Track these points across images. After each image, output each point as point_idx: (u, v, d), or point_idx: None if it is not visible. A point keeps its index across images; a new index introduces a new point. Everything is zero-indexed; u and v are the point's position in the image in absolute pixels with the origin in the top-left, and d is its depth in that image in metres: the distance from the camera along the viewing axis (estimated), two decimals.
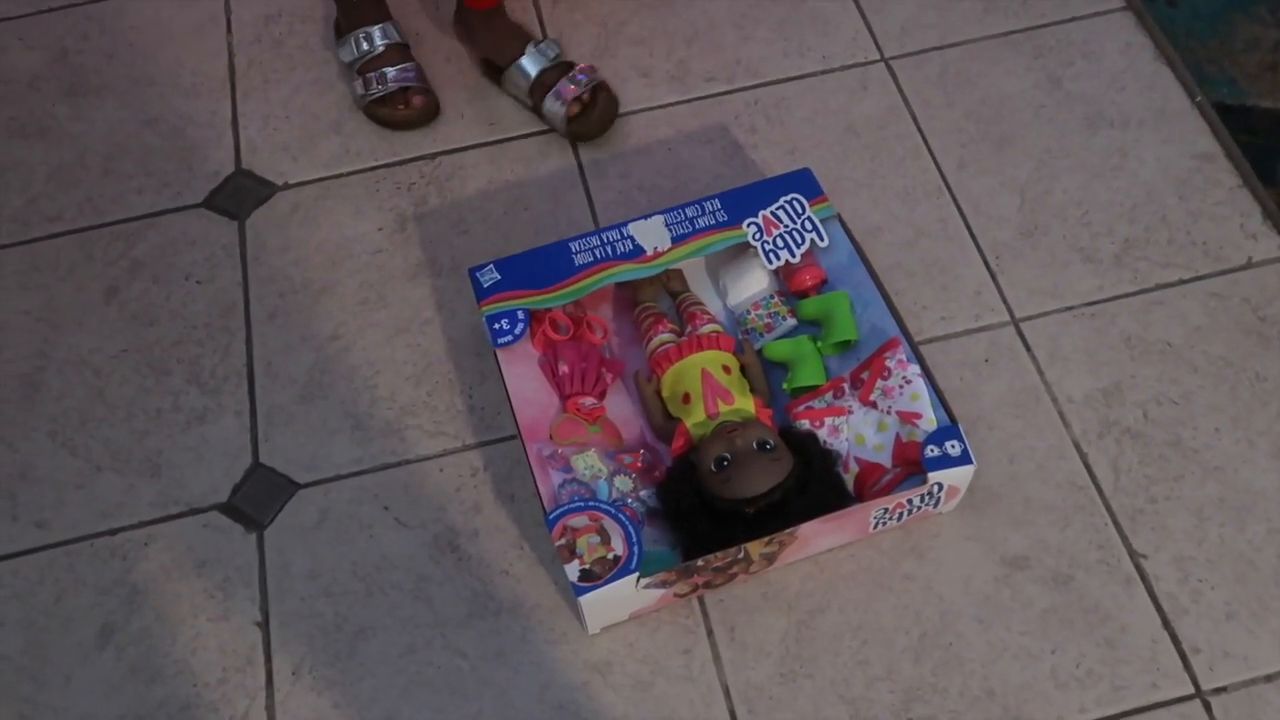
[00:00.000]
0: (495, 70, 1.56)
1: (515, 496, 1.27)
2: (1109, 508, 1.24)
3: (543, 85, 1.51)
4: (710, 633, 1.19)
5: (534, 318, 1.29)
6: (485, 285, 1.30)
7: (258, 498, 1.28)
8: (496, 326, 1.27)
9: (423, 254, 1.44)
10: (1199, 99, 1.50)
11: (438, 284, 1.42)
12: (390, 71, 1.53)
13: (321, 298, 1.41)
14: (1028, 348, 1.34)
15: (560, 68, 1.51)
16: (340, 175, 1.51)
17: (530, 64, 1.51)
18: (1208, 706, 1.14)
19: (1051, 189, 1.45)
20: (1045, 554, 1.22)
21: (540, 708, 1.15)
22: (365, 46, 1.54)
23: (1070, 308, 1.36)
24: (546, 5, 1.64)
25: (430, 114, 1.55)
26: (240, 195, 1.50)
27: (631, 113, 1.55)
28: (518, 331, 1.26)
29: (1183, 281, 1.37)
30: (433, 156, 1.52)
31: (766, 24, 1.61)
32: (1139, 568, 1.21)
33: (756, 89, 1.56)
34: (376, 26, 1.55)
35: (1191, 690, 1.14)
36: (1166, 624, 1.17)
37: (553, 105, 1.49)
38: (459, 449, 1.30)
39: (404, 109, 1.54)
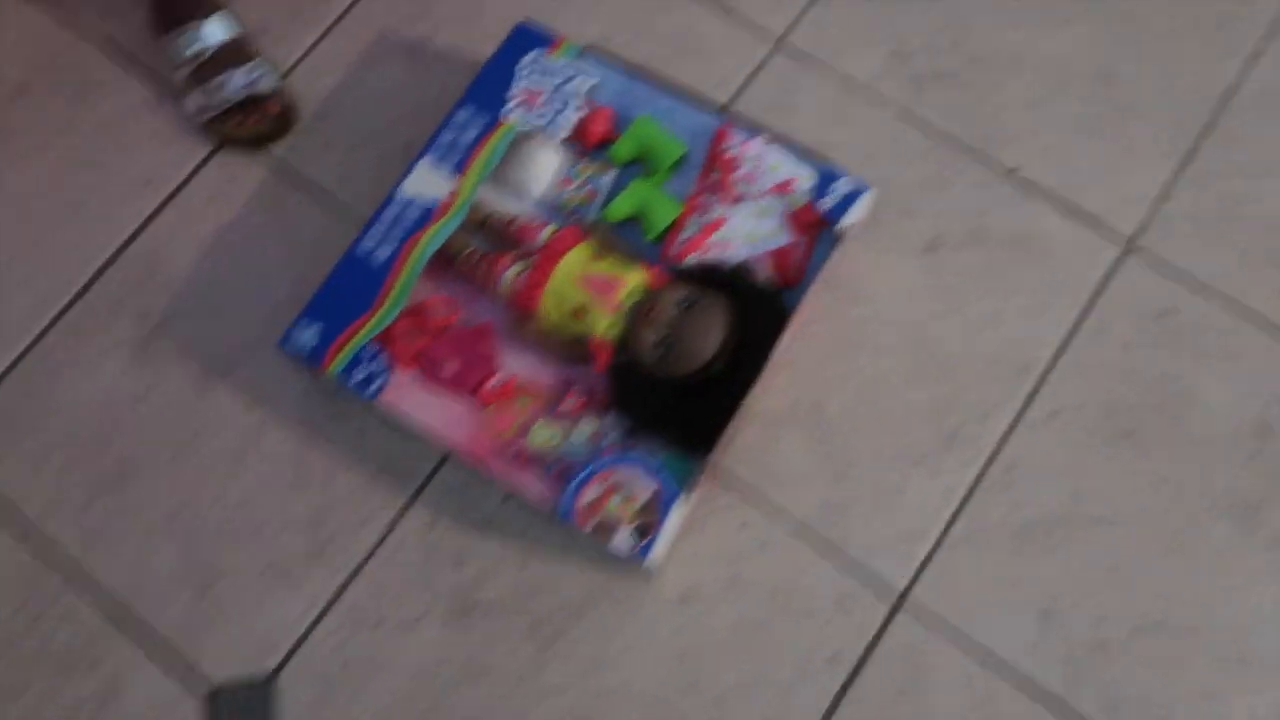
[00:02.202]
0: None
1: (487, 518, 1.13)
2: (965, 148, 1.26)
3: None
4: (752, 493, 1.14)
5: (382, 341, 1.11)
6: (311, 346, 1.09)
7: (241, 717, 1.07)
8: (357, 380, 1.09)
9: (192, 365, 1.19)
10: None
11: (234, 381, 1.19)
12: (233, 77, 1.24)
13: (127, 483, 1.15)
14: (806, 59, 1.29)
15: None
16: (41, 336, 1.21)
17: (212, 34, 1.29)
18: (1139, 249, 1.21)
19: None
20: (948, 222, 1.23)
21: (664, 674, 1.08)
22: (195, 47, 1.24)
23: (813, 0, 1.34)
24: None
25: (289, 121, 1.28)
26: None
27: (287, 72, 1.31)
28: (383, 366, 1.09)
29: None
30: (115, 257, 1.23)
31: None
32: (1020, 181, 1.24)
33: None
34: (209, 20, 1.25)
35: (1120, 247, 1.22)
36: (1070, 210, 1.23)
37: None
38: (397, 517, 1.14)
39: (258, 120, 1.25)
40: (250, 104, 1.25)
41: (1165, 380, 1.17)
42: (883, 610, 1.10)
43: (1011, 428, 1.16)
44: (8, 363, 1.20)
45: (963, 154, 1.25)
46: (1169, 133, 1.25)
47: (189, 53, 1.25)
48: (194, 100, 1.26)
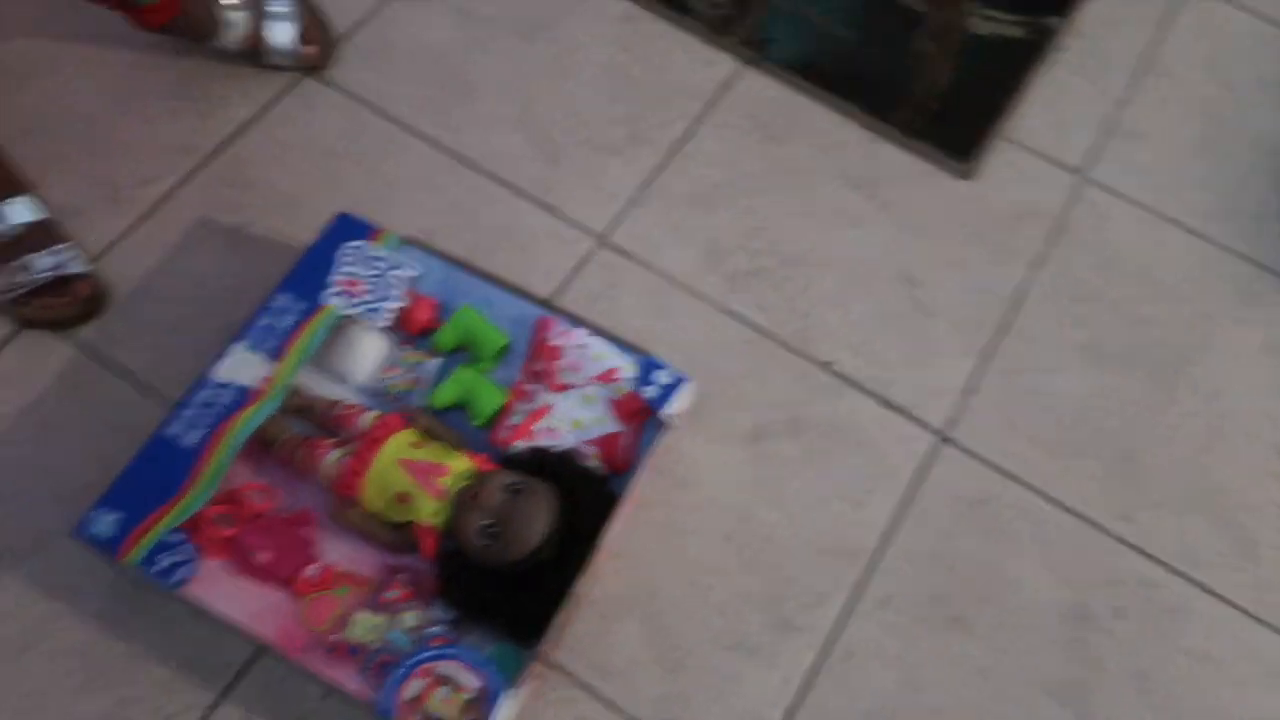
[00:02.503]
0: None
1: (305, 715, 1.05)
2: (782, 343, 1.31)
3: (253, 46, 1.39)
4: (586, 686, 1.09)
5: (189, 529, 1.04)
6: (108, 534, 1.02)
7: None
8: (159, 568, 1.01)
9: None
10: None
11: (27, 572, 1.09)
12: (37, 260, 1.20)
13: None
14: (628, 255, 1.34)
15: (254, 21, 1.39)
16: None
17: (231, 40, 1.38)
18: (950, 440, 1.27)
19: (537, 109, 1.43)
20: (769, 413, 1.26)
21: None
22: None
23: (631, 200, 1.38)
24: None
25: (97, 305, 1.24)
26: None
27: (100, 254, 1.27)
28: (187, 557, 1.02)
29: (691, 129, 1.44)
30: None
31: (161, 91, 1.38)
32: (835, 374, 1.29)
33: (205, 167, 1.34)
34: (12, 200, 1.23)
35: (934, 437, 1.27)
36: (883, 402, 1.28)
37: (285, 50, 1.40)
38: (203, 716, 1.04)
39: (66, 302, 1.22)
40: (59, 285, 1.21)
41: (987, 567, 1.20)
42: None
43: (844, 615, 1.16)
44: None
45: (779, 347, 1.30)
46: (969, 330, 1.33)
47: None
48: None
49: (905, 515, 1.21)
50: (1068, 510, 1.23)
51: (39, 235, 1.23)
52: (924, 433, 1.27)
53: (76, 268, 1.23)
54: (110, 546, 1.02)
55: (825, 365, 1.29)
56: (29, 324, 1.22)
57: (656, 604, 1.15)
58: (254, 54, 1.39)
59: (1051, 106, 1.51)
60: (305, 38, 1.41)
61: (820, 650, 1.14)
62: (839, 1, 1.57)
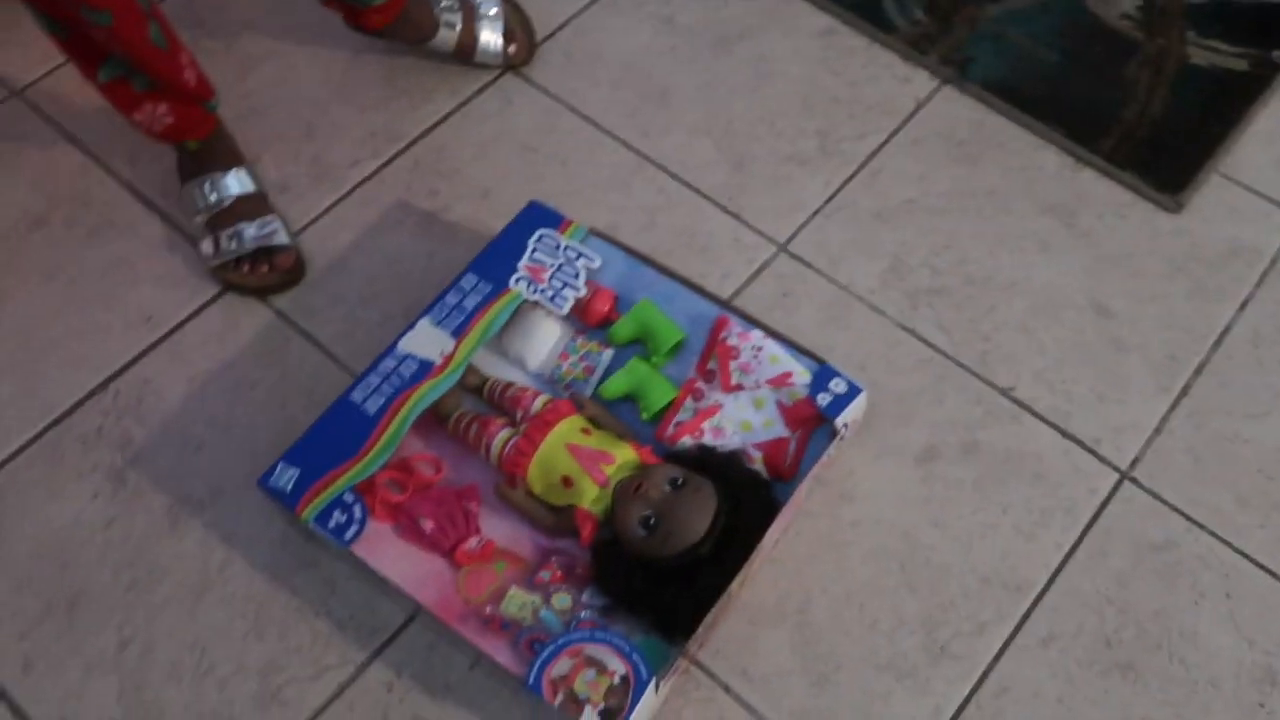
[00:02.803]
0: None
1: (449, 684, 1.07)
2: (961, 364, 1.27)
3: (466, 49, 1.45)
4: (727, 688, 1.08)
5: (362, 492, 1.08)
6: (289, 489, 1.07)
7: None
8: (332, 524, 1.05)
9: (167, 497, 1.16)
10: None
11: (207, 519, 1.16)
12: (247, 229, 1.27)
13: (77, 610, 1.10)
14: (808, 265, 1.33)
15: (470, 23, 1.45)
16: (3, 464, 1.18)
17: (443, 43, 1.44)
18: (1135, 481, 1.20)
19: (731, 117, 1.44)
20: (943, 433, 1.23)
21: None
22: (214, 197, 1.29)
23: (816, 211, 1.37)
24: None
25: (296, 276, 1.31)
26: None
27: (300, 230, 1.34)
28: (358, 516, 1.06)
29: (883, 145, 1.42)
30: (105, 385, 1.23)
31: (373, 83, 1.45)
32: (1015, 400, 1.25)
33: (409, 150, 1.41)
34: (228, 172, 1.30)
35: (1117, 476, 1.21)
36: (1064, 433, 1.23)
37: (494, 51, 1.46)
38: (355, 673, 1.08)
39: (267, 271, 1.28)
40: (261, 255, 1.28)
41: (1162, 615, 1.13)
42: None
43: (1004, 648, 1.11)
44: None
45: (958, 368, 1.27)
46: (1164, 368, 1.27)
47: (207, 201, 1.30)
48: (207, 246, 1.29)
49: (1079, 552, 1.16)
50: (1259, 566, 1.15)
51: (251, 206, 1.31)
52: (1106, 469, 1.20)
53: (280, 240, 1.30)
54: (289, 500, 1.07)
55: (1005, 391, 1.25)
56: (232, 288, 1.30)
57: (809, 615, 1.12)
58: (464, 54, 1.45)
59: (1273, 143, 1.43)
60: (509, 37, 1.46)
61: (977, 681, 1.09)
62: (1045, 24, 1.53)
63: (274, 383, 1.24)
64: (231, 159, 1.33)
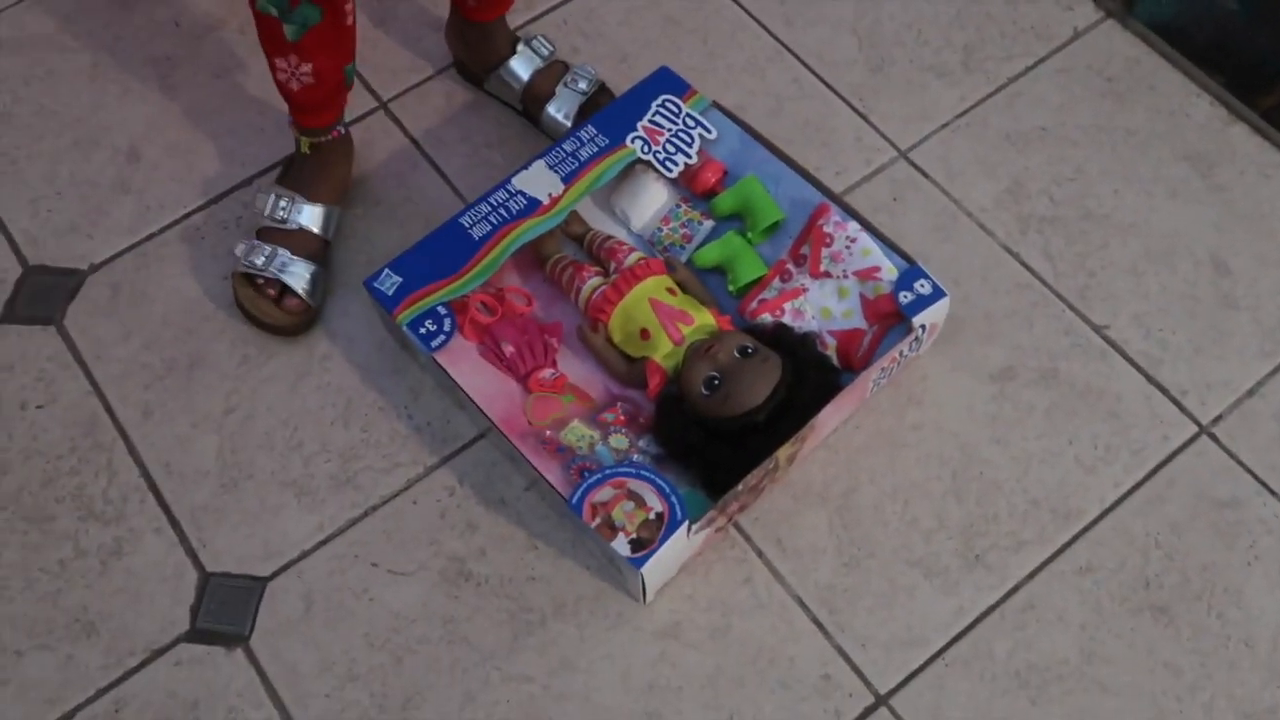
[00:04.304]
0: (476, 74, 1.39)
1: (505, 499, 1.16)
2: (1059, 295, 1.27)
3: (538, 93, 1.34)
4: (760, 554, 1.13)
5: (455, 308, 1.17)
6: (390, 293, 1.15)
7: (225, 611, 1.10)
8: (422, 331, 1.14)
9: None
10: None
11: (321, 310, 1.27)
12: (284, 258, 1.23)
13: (195, 372, 1.22)
14: (925, 174, 1.34)
15: (554, 70, 1.35)
16: (152, 236, 1.30)
17: (520, 66, 1.34)
18: (1214, 437, 1.19)
19: (879, 19, 1.45)
20: (1025, 357, 1.24)
21: (629, 697, 1.07)
22: (282, 213, 1.24)
23: (945, 124, 1.37)
24: None
25: (298, 329, 1.24)
26: (43, 295, 1.27)
27: (447, 68, 1.41)
28: (447, 328, 1.14)
29: (1029, 69, 1.41)
30: (249, 182, 1.34)
31: None
32: (1106, 338, 1.24)
33: (560, 8, 1.46)
34: (314, 204, 1.25)
35: (1195, 429, 1.20)
36: (1150, 379, 1.22)
37: (557, 119, 1.33)
38: (423, 473, 1.17)
39: (272, 306, 1.23)
40: (276, 286, 1.23)
41: (1210, 569, 1.13)
42: (861, 704, 1.07)
43: (1039, 569, 1.13)
44: (132, 242, 1.30)
45: (1054, 298, 1.26)
46: (1272, 333, 1.24)
47: (275, 213, 1.23)
48: (242, 248, 1.23)
49: (1137, 493, 1.16)
50: None
51: (306, 244, 1.25)
52: (1185, 420, 1.19)
53: (300, 287, 1.23)
54: (389, 303, 1.15)
55: (1099, 327, 1.24)
56: (235, 300, 1.24)
57: (852, 501, 1.16)
58: (532, 101, 1.36)
59: None
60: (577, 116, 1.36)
61: (1005, 594, 1.11)
62: None
63: (398, 201, 1.33)
64: (328, 195, 1.27)
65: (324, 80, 1.17)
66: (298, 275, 1.23)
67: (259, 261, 1.23)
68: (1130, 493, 1.16)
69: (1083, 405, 1.21)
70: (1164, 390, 1.21)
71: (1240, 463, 1.18)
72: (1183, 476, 1.17)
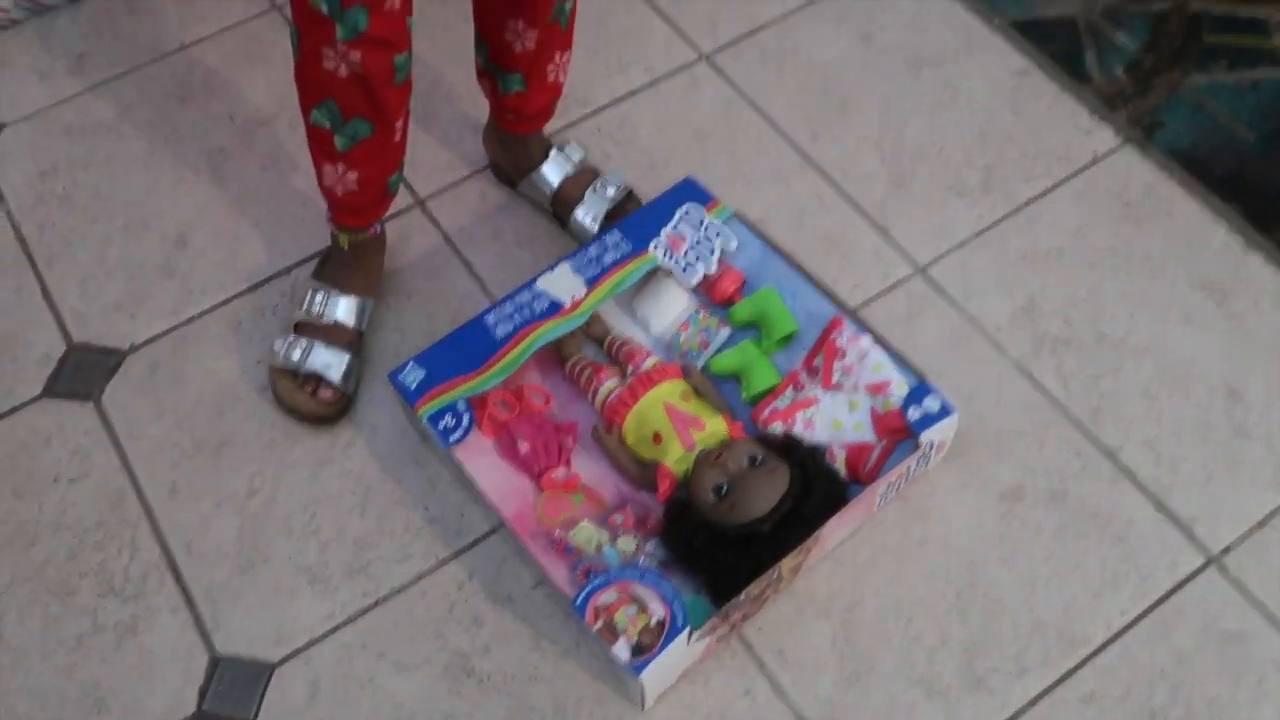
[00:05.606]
0: (510, 176, 1.44)
1: (513, 596, 1.18)
2: (1070, 416, 1.28)
3: (567, 198, 1.38)
4: (762, 665, 1.14)
5: (474, 404, 1.20)
6: (413, 386, 1.19)
7: (232, 694, 1.12)
8: (441, 426, 1.17)
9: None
10: (996, 21, 1.59)
11: None
12: (320, 351, 1.27)
13: (223, 453, 1.26)
14: (941, 291, 1.37)
15: (584, 176, 1.39)
16: (191, 319, 1.35)
17: (552, 172, 1.39)
18: (1223, 568, 1.19)
19: (902, 137, 1.49)
20: (1034, 478, 1.25)
21: None
22: (318, 308, 1.29)
23: (963, 243, 1.40)
24: None
25: (333, 417, 1.28)
26: (84, 372, 1.32)
27: (484, 169, 1.47)
28: (465, 424, 1.17)
29: (1048, 190, 1.44)
30: (288, 271, 1.39)
31: (579, 51, 1.50)
32: (1117, 462, 1.25)
33: (595, 116, 1.52)
34: (349, 297, 1.30)
35: (1204, 559, 1.20)
36: (1160, 506, 1.23)
37: (584, 223, 1.37)
38: (435, 566, 1.19)
39: (308, 398, 1.27)
40: (312, 379, 1.26)
41: (1218, 705, 1.12)
42: None
43: (1042, 694, 1.13)
44: (174, 324, 1.35)
45: (1066, 420, 1.28)
46: None
47: (311, 310, 1.28)
48: (280, 344, 1.27)
49: (1144, 621, 1.16)
50: None
51: (339, 335, 1.29)
52: (1194, 549, 1.19)
53: (334, 377, 1.26)
54: (411, 396, 1.19)
55: (1110, 451, 1.25)
56: (274, 392, 1.28)
57: (856, 614, 1.17)
58: (561, 204, 1.40)
59: None
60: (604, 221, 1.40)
61: (1005, 718, 1.11)
62: (1251, 101, 1.50)
63: (428, 295, 1.37)
64: (362, 287, 1.31)
65: (368, 189, 1.22)
66: (333, 367, 1.27)
67: (295, 357, 1.27)
68: (1137, 620, 1.16)
69: (1091, 528, 1.21)
70: (1174, 517, 1.22)
71: (1249, 595, 1.17)
72: (1191, 606, 1.17)
